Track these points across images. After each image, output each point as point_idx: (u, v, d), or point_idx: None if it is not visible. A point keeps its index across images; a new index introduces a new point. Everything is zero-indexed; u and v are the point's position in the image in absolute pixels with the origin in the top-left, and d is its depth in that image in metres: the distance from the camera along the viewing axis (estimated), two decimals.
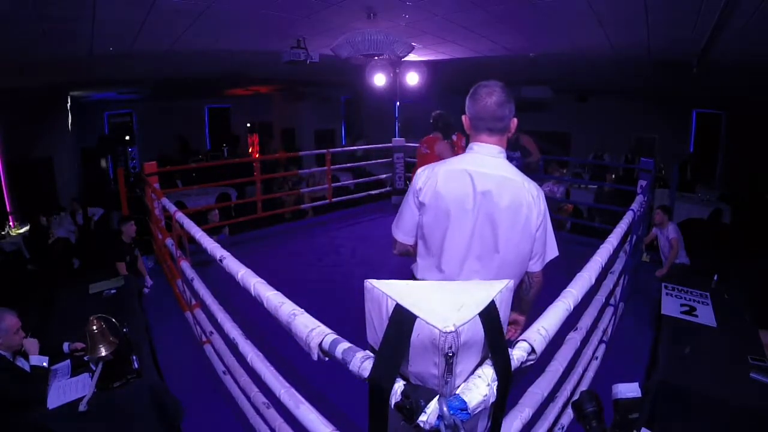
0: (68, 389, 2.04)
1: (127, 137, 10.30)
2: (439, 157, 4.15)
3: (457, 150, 4.14)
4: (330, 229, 5.66)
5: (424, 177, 1.42)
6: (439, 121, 3.90)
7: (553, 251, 1.47)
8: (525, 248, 1.39)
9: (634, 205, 2.69)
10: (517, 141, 4.38)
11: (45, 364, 2.10)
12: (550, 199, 6.53)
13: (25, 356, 2.10)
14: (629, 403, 1.16)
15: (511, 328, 1.51)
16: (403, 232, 1.51)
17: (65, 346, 2.29)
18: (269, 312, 1.29)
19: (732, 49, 3.96)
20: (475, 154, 1.40)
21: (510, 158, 1.48)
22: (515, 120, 1.39)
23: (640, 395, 1.16)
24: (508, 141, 1.44)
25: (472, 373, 0.84)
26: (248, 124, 12.24)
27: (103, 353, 1.95)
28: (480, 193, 1.35)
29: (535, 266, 1.45)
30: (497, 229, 1.35)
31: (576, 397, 1.14)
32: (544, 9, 3.52)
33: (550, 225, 1.43)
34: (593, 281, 1.47)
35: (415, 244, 1.52)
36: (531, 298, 1.53)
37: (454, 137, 4.15)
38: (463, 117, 1.45)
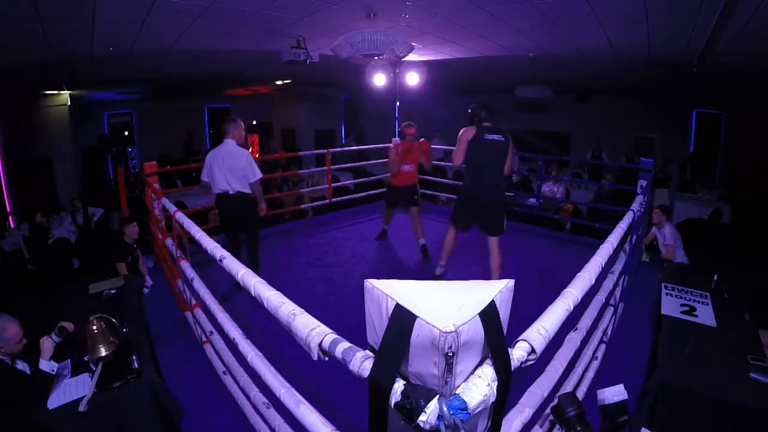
0: (68, 389, 2.04)
1: (127, 136, 10.28)
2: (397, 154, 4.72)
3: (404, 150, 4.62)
4: (330, 229, 5.66)
5: (210, 156, 3.51)
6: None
7: (258, 174, 3.50)
8: (243, 172, 3.45)
9: (634, 205, 2.69)
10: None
11: (53, 370, 2.08)
12: (549, 200, 6.52)
13: (27, 358, 2.09)
14: (617, 406, 1.12)
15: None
16: (205, 177, 3.53)
17: (53, 335, 2.21)
18: (269, 312, 1.29)
19: (732, 49, 3.96)
20: (225, 144, 3.48)
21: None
22: (239, 132, 3.52)
23: (626, 397, 1.12)
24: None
25: (472, 372, 0.84)
26: (254, 122, 12.21)
27: (103, 353, 1.95)
28: (225, 157, 3.44)
29: (253, 179, 3.49)
30: (232, 165, 3.42)
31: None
32: (544, 9, 3.52)
33: (254, 163, 3.49)
34: (593, 281, 1.47)
35: (208, 181, 3.53)
36: (259, 193, 3.60)
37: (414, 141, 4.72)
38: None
